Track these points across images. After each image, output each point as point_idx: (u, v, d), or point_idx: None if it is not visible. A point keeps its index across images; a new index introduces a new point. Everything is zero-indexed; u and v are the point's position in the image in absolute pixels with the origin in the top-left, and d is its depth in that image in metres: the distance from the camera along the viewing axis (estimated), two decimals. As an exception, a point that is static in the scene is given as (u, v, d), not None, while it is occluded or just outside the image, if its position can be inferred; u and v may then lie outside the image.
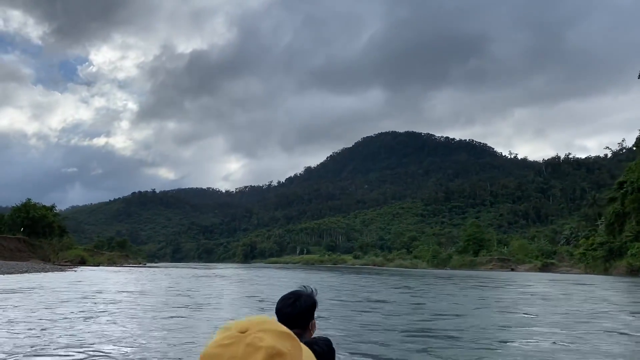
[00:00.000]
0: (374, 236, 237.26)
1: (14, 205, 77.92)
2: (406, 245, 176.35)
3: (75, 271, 46.72)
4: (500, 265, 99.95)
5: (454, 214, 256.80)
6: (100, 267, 61.92)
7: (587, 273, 67.34)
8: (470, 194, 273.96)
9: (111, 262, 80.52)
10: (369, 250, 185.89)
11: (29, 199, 79.05)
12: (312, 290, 2.44)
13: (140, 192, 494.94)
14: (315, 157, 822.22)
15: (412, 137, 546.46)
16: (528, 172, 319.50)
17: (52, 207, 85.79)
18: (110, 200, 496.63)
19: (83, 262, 66.43)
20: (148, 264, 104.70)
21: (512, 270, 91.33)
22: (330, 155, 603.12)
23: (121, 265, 77.05)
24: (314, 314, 2.39)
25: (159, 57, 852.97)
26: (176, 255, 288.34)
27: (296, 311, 2.29)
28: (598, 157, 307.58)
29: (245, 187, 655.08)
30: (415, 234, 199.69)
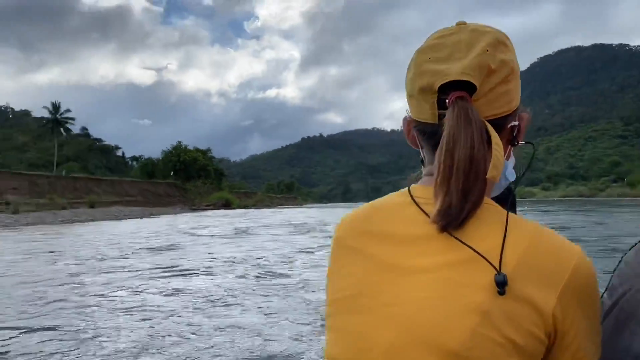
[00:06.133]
0: (562, 164, 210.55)
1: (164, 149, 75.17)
2: (607, 172, 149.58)
3: (193, 215, 39.21)
4: None
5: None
6: (244, 210, 54.60)
7: None
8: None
9: (263, 204, 74.23)
10: (560, 181, 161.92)
11: (180, 142, 75.83)
12: None
13: (309, 137, 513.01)
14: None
15: (600, 50, 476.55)
16: None
17: (207, 150, 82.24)
18: (282, 147, 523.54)
19: (227, 205, 60.68)
20: (306, 205, 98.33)
21: None
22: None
23: (274, 207, 70.29)
24: None
25: (318, 3, 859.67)
26: (346, 195, 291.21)
27: None
28: None
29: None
30: (618, 158, 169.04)
